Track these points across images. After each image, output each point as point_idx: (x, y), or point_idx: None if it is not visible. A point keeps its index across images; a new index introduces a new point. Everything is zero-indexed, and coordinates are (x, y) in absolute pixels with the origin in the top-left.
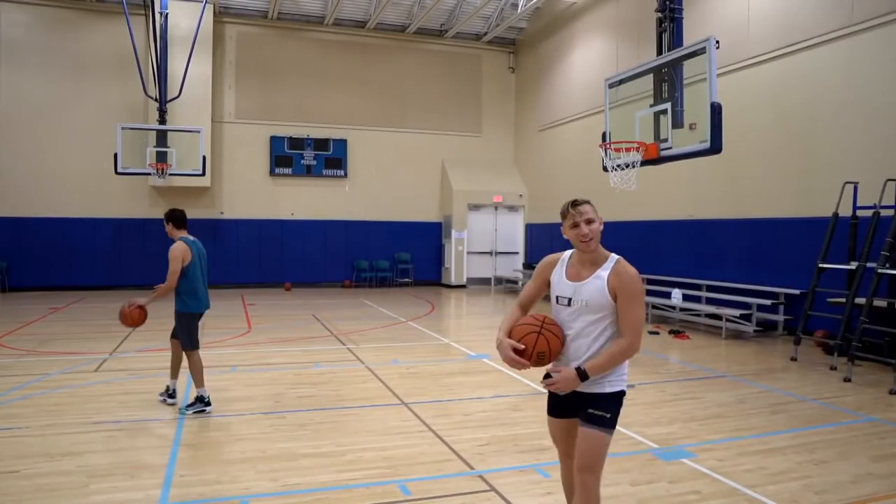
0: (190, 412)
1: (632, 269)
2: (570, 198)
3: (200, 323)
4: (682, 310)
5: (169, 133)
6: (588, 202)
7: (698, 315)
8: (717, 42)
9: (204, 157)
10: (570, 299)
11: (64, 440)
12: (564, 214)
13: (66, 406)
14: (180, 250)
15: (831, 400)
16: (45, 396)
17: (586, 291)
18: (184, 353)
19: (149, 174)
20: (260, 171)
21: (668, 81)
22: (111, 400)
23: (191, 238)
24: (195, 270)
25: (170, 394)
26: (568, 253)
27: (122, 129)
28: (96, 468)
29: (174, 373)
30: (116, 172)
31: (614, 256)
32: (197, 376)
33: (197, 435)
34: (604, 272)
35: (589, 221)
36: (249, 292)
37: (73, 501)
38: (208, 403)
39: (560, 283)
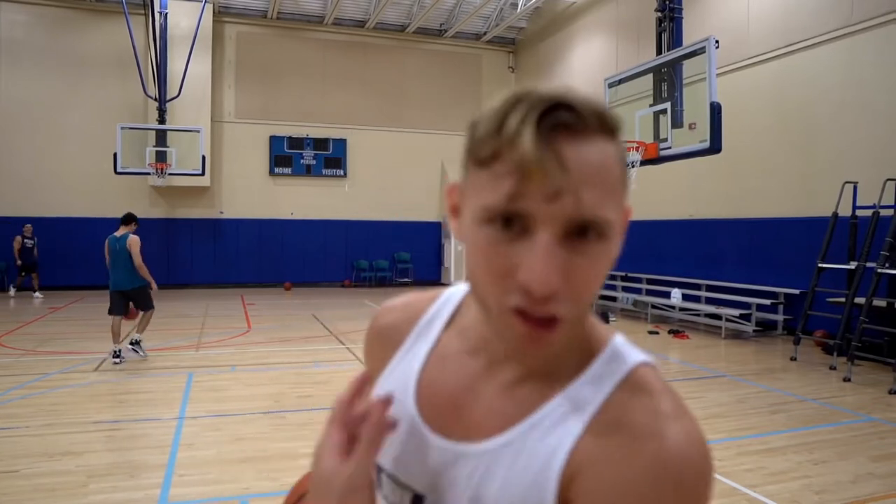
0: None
1: (691, 426)
2: None
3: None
4: (681, 309)
5: (169, 133)
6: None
7: (698, 315)
8: (717, 42)
9: (203, 157)
10: (418, 500)
11: (63, 440)
12: (493, 154)
13: (65, 406)
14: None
15: (831, 400)
16: (44, 396)
17: (489, 481)
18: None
19: (148, 174)
20: (260, 171)
21: (667, 81)
22: (111, 400)
23: (116, 235)
24: (108, 258)
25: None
26: (441, 311)
27: (122, 128)
28: (96, 468)
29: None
30: (116, 172)
31: (627, 359)
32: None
33: (197, 435)
34: (574, 420)
35: (582, 225)
36: (249, 292)
37: (73, 501)
38: (116, 355)
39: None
